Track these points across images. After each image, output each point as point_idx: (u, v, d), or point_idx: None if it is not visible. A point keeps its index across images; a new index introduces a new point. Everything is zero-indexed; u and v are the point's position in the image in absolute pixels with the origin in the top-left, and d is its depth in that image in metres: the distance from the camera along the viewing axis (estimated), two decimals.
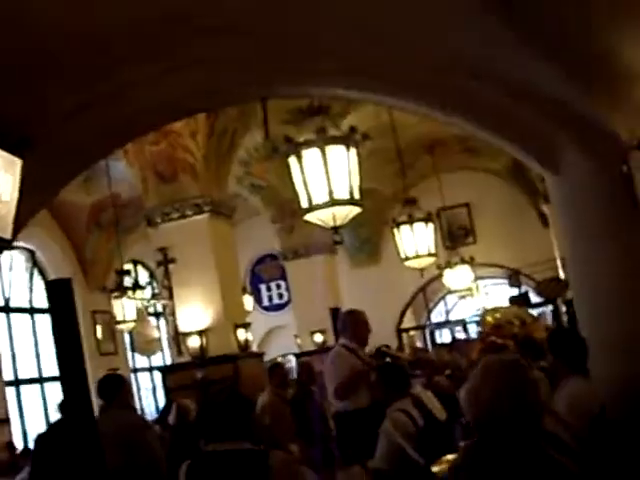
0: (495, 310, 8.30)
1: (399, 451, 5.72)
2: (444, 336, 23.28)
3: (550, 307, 17.21)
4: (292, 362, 17.14)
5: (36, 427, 16.91)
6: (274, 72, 5.48)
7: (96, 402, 6.87)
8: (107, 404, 6.65)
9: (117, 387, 6.77)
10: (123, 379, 7.21)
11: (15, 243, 12.89)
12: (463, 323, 22.33)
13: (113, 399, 6.62)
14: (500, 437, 2.90)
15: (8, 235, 3.27)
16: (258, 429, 6.55)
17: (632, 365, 4.66)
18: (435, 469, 5.16)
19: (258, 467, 4.07)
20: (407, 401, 6.34)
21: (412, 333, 22.94)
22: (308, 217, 6.67)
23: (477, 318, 17.96)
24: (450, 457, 5.09)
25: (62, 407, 7.10)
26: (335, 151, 6.48)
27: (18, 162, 3.27)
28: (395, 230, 12.47)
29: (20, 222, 3.69)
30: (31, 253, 18.06)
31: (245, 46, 5.05)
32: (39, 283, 17.89)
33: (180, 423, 9.05)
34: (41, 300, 17.47)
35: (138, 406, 19.72)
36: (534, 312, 12.32)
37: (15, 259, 17.64)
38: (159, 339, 16.98)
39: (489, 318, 7.74)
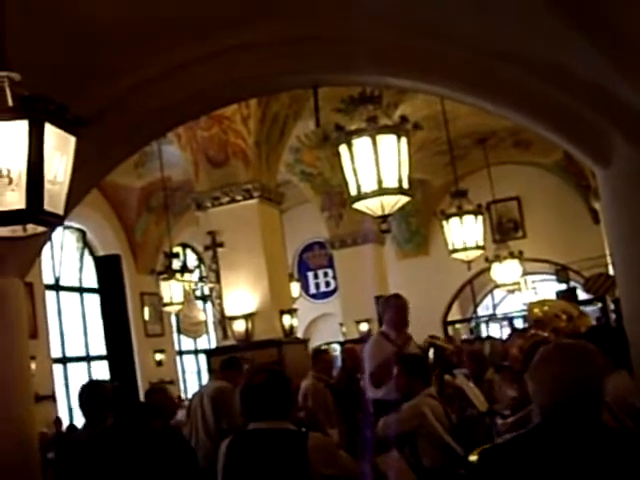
0: (543, 303, 8.22)
1: (437, 439, 5.74)
2: (490, 330, 23.18)
3: (598, 305, 17.05)
4: (337, 350, 17.16)
5: None
6: (325, 59, 5.51)
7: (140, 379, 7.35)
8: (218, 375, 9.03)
9: (227, 365, 8.94)
10: (236, 361, 9.15)
11: (67, 223, 13.02)
12: (509, 318, 22.21)
13: (223, 373, 8.82)
14: (563, 422, 2.88)
15: (60, 211, 3.33)
16: (302, 412, 6.62)
17: None
18: (473, 458, 5.16)
19: (297, 447, 4.12)
20: (433, 390, 6.37)
21: (458, 326, 22.87)
22: (356, 205, 6.70)
23: (524, 313, 17.90)
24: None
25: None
26: (386, 140, 6.50)
27: (72, 140, 3.33)
28: (444, 222, 12.43)
29: (72, 200, 3.76)
30: (82, 233, 18.31)
31: (295, 31, 5.09)
32: (89, 263, 18.14)
33: None
34: (90, 280, 17.72)
35: (182, 387, 19.97)
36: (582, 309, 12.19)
37: (66, 239, 17.90)
38: (205, 322, 17.13)
39: (536, 310, 7.67)
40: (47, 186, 3.20)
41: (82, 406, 5.99)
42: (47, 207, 3.21)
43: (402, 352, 7.45)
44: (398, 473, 4.73)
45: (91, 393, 6.01)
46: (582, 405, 2.89)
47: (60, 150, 3.27)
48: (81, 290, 18.20)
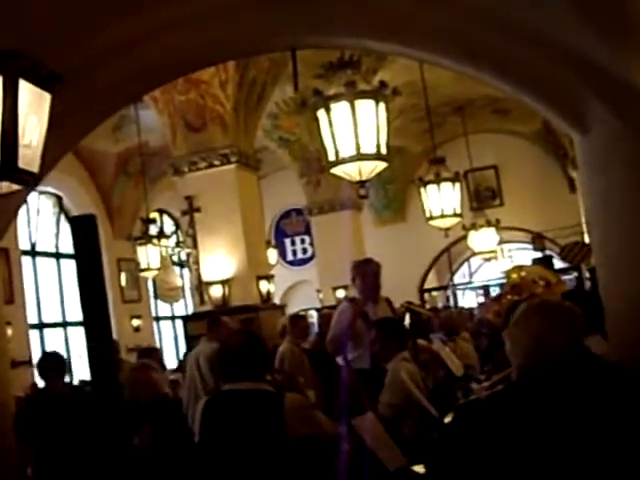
0: (521, 268, 8.20)
1: (413, 403, 5.77)
2: (466, 298, 23.33)
3: (574, 274, 17.13)
4: (314, 317, 17.20)
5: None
6: (303, 20, 5.47)
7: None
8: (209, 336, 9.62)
9: (211, 325, 9.76)
10: (217, 319, 10.02)
11: (43, 188, 12.94)
12: (485, 286, 22.33)
13: (211, 333, 9.50)
14: (541, 382, 2.85)
15: (35, 169, 3.30)
16: (279, 375, 6.64)
17: None
18: (448, 420, 5.19)
19: (273, 408, 4.13)
20: (407, 354, 6.38)
21: (434, 294, 22.95)
22: (334, 171, 6.68)
23: (500, 281, 17.98)
24: None
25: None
26: (364, 105, 6.47)
27: (47, 96, 3.29)
28: (422, 189, 12.42)
29: (47, 163, 3.72)
30: (58, 199, 18.20)
31: None
32: (66, 229, 18.02)
33: None
34: (67, 245, 17.63)
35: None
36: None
37: (42, 204, 17.78)
38: (182, 287, 17.10)
39: (514, 275, 7.64)
40: (22, 143, 3.16)
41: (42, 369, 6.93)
42: (22, 165, 3.17)
43: (356, 321, 7.42)
44: (374, 436, 4.75)
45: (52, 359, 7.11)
46: (561, 365, 2.87)
47: (35, 107, 3.24)
48: (58, 256, 18.11)
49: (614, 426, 2.75)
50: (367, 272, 7.83)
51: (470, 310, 15.01)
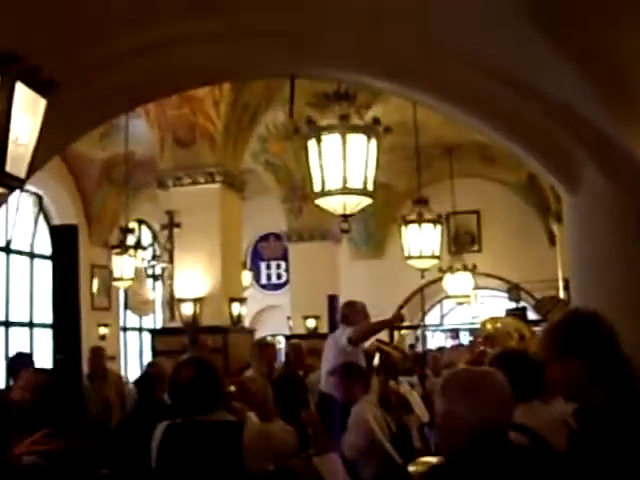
0: (496, 319, 8.20)
1: (377, 446, 5.71)
2: (436, 340, 23.28)
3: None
4: (282, 343, 17.12)
5: None
6: (304, 51, 5.48)
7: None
8: None
9: None
10: None
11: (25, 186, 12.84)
12: (455, 330, 22.31)
13: None
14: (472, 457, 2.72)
15: (22, 174, 3.26)
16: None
17: None
18: (411, 469, 5.15)
19: (231, 439, 4.02)
20: (373, 397, 6.35)
21: (404, 332, 22.87)
22: (319, 202, 6.66)
23: (471, 326, 17.97)
24: (427, 459, 5.09)
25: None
26: (355, 140, 6.46)
27: (42, 102, 3.25)
28: (403, 227, 12.41)
29: (34, 165, 3.68)
30: (39, 198, 18.06)
31: (279, 21, 5.05)
32: (43, 229, 17.87)
33: None
34: (42, 246, 17.47)
35: (122, 365, 19.77)
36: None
37: (22, 202, 17.62)
38: (153, 301, 16.95)
39: (489, 326, 7.65)
40: (11, 147, 3.12)
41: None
42: (10, 169, 3.13)
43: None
44: (334, 477, 4.67)
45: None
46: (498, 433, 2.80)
47: (29, 112, 3.20)
48: (32, 255, 17.94)
49: None
50: (363, 312, 8.06)
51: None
